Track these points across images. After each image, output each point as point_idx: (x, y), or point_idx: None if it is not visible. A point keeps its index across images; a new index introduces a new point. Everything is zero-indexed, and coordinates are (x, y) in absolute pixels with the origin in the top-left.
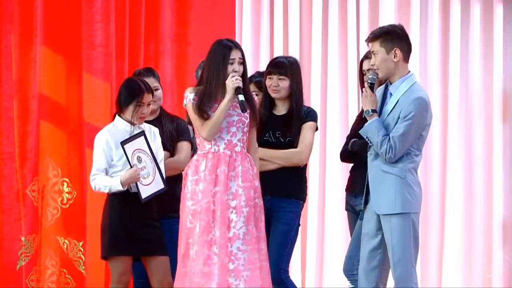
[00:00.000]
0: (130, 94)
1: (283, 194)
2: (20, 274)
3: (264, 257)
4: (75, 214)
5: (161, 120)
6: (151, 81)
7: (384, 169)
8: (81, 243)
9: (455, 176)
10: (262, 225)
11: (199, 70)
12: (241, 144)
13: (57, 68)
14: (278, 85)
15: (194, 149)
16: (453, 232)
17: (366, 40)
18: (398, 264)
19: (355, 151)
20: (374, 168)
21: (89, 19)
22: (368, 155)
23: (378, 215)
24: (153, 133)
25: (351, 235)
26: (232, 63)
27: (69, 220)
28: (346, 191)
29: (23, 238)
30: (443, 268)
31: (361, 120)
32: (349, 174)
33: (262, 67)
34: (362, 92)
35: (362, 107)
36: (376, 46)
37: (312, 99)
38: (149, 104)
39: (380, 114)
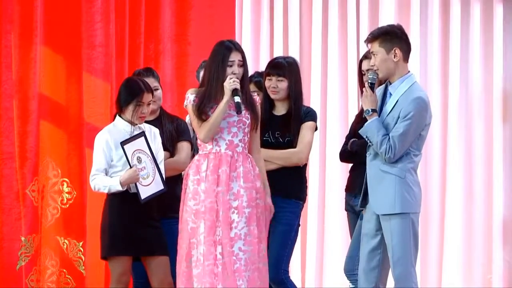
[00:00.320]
0: (130, 93)
1: (283, 194)
2: (20, 274)
3: (263, 259)
4: (75, 214)
5: (161, 120)
6: (151, 81)
7: (383, 169)
8: (81, 243)
9: (455, 176)
10: (263, 225)
11: (200, 70)
12: (243, 145)
13: (57, 68)
14: (276, 86)
15: (194, 150)
16: (453, 232)
17: (365, 41)
18: (397, 264)
19: (354, 151)
20: (373, 168)
21: (89, 19)
22: (367, 155)
23: (378, 215)
24: (153, 133)
25: (350, 235)
26: (231, 65)
27: (69, 220)
28: (345, 191)
29: (23, 238)
30: (443, 268)
31: (360, 119)
32: (348, 174)
33: (262, 67)
34: (362, 92)
35: (361, 107)
36: (376, 47)
37: (312, 99)
38: (149, 104)
39: (379, 114)
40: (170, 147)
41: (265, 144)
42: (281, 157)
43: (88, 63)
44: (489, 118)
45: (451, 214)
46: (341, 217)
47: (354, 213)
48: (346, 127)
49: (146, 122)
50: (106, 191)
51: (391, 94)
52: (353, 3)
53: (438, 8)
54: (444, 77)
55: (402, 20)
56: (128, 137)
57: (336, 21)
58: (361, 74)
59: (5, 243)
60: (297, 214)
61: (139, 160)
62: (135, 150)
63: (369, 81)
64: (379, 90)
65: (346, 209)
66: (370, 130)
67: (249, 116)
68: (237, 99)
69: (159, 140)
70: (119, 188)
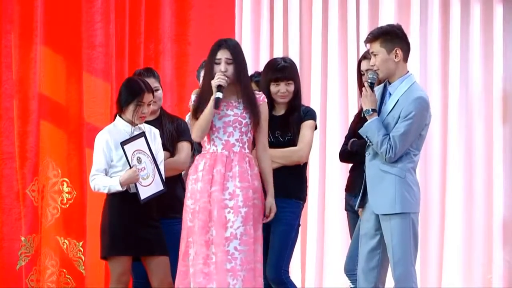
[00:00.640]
0: (131, 93)
1: (283, 194)
2: (20, 274)
3: (259, 259)
4: (75, 214)
5: (161, 120)
6: (151, 82)
7: (383, 168)
8: (81, 243)
9: (455, 176)
10: (259, 226)
11: (200, 70)
12: (240, 144)
13: (57, 68)
14: (286, 91)
15: (194, 150)
16: (453, 232)
17: (365, 41)
18: (398, 264)
19: (354, 151)
20: (373, 167)
21: (89, 19)
22: (366, 155)
23: (377, 215)
24: (154, 134)
25: (350, 235)
26: (218, 63)
27: (69, 220)
28: (345, 191)
29: (23, 238)
30: (443, 268)
31: (359, 119)
32: (348, 174)
33: (262, 67)
34: (361, 92)
35: (360, 107)
36: (376, 47)
37: (312, 99)
38: (149, 104)
39: (378, 113)
40: (170, 147)
41: None
42: (282, 155)
43: (88, 63)
44: (489, 118)
45: (451, 214)
46: (341, 217)
47: (354, 213)
48: (346, 127)
49: (146, 122)
50: (106, 191)
51: (390, 94)
52: (353, 3)
53: (438, 8)
54: (444, 77)
55: (402, 20)
56: (128, 137)
57: (336, 21)
58: (360, 74)
59: (5, 243)
60: (298, 214)
61: (139, 160)
62: (135, 151)
63: (369, 80)
64: (377, 90)
65: (346, 209)
66: (371, 129)
67: (246, 115)
68: (218, 95)
69: (159, 140)
70: (119, 188)
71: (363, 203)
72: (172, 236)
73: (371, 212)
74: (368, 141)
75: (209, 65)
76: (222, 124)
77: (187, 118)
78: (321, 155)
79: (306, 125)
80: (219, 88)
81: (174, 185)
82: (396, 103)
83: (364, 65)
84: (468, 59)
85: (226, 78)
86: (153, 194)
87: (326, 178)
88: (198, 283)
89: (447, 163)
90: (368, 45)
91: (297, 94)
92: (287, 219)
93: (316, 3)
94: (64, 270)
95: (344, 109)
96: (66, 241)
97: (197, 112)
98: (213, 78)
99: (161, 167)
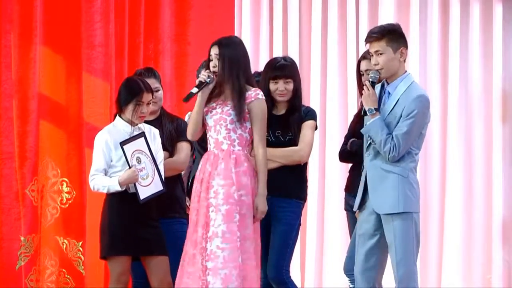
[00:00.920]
0: (130, 93)
1: (283, 194)
2: (19, 274)
3: (249, 256)
4: (74, 214)
5: (161, 120)
6: (152, 82)
7: (386, 168)
8: (80, 243)
9: (454, 176)
10: (249, 222)
11: (200, 70)
12: (228, 142)
13: (57, 68)
14: (284, 89)
15: (194, 150)
16: (453, 232)
17: (369, 40)
18: (400, 264)
19: (354, 151)
20: (374, 167)
21: (88, 19)
22: (365, 155)
23: (377, 215)
24: (153, 134)
25: (350, 235)
26: (211, 60)
27: (68, 220)
28: (345, 191)
29: (22, 238)
30: (443, 268)
31: (359, 119)
32: (348, 174)
33: (262, 67)
34: (361, 92)
35: (360, 106)
36: (382, 46)
37: (311, 99)
38: (148, 104)
39: None
40: (169, 147)
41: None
42: (283, 155)
43: (88, 63)
44: (489, 118)
45: (450, 214)
46: (340, 217)
47: (354, 213)
48: (346, 127)
49: (146, 122)
50: (105, 191)
51: (389, 93)
52: (352, 3)
53: (438, 8)
54: (444, 77)
55: (402, 20)
56: (127, 137)
57: (335, 21)
58: (359, 74)
59: (5, 243)
60: (298, 213)
61: (138, 160)
62: (135, 151)
63: (370, 79)
64: (376, 89)
65: (345, 209)
66: (373, 129)
67: (232, 113)
68: (193, 90)
69: (159, 140)
70: (118, 188)
71: (362, 204)
72: (171, 236)
73: (370, 212)
74: (371, 140)
75: (207, 62)
76: (213, 123)
77: (187, 118)
78: (321, 155)
79: (307, 125)
80: (201, 84)
81: (174, 185)
82: (397, 102)
83: (364, 65)
84: (467, 58)
85: (209, 75)
86: (152, 194)
87: (326, 178)
88: (185, 283)
89: (446, 162)
90: (368, 44)
91: (296, 93)
92: (287, 218)
93: (316, 3)
94: (64, 270)
95: (343, 109)
96: (65, 241)
97: None
98: None
99: (161, 167)
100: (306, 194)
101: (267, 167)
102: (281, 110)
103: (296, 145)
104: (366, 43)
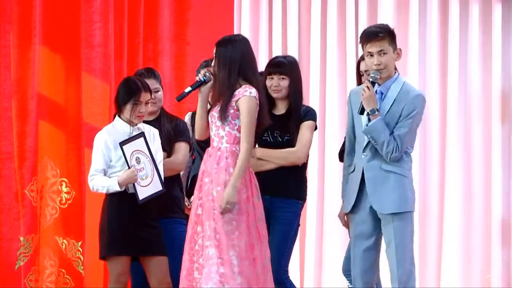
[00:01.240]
0: (128, 92)
1: (282, 194)
2: (18, 274)
3: (233, 254)
4: (73, 214)
5: (160, 120)
6: (152, 83)
7: (386, 168)
8: (79, 243)
9: (454, 176)
10: (231, 217)
11: (200, 70)
12: (217, 139)
13: (56, 68)
14: (278, 85)
15: (194, 150)
16: (452, 232)
17: (375, 39)
18: (400, 263)
19: None
20: (373, 168)
21: (88, 19)
22: (361, 156)
23: (373, 216)
24: (153, 134)
25: (349, 235)
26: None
27: (67, 220)
28: None
29: (21, 238)
30: (442, 268)
31: None
32: None
33: (261, 67)
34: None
35: (360, 107)
36: (385, 45)
37: (311, 99)
38: (147, 103)
39: None
40: (167, 147)
41: (264, 144)
42: (280, 156)
43: (87, 63)
44: (488, 118)
45: (449, 214)
46: None
47: None
48: (345, 127)
49: (145, 122)
50: (104, 191)
51: (382, 93)
52: (351, 3)
53: (437, 9)
54: (443, 77)
55: (401, 20)
56: (127, 137)
57: (335, 21)
58: (359, 74)
59: (4, 243)
60: (297, 213)
61: (137, 160)
62: (134, 151)
63: (371, 79)
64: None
65: None
66: (376, 130)
67: (217, 110)
68: (186, 89)
69: (158, 141)
70: (117, 188)
71: (354, 206)
72: (168, 235)
73: (367, 213)
74: (372, 141)
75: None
76: (209, 122)
77: (187, 118)
78: (320, 155)
79: (306, 125)
80: (195, 83)
81: (171, 185)
82: (394, 101)
83: (364, 66)
84: (466, 59)
85: (205, 73)
86: (151, 195)
87: (325, 178)
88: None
89: (445, 163)
90: (367, 44)
91: (294, 92)
92: (286, 219)
93: (315, 4)
94: (63, 270)
95: (343, 109)
96: (65, 241)
97: None
98: None
99: (160, 167)
100: (306, 194)
101: (247, 162)
102: (281, 110)
103: (294, 146)
104: (367, 42)
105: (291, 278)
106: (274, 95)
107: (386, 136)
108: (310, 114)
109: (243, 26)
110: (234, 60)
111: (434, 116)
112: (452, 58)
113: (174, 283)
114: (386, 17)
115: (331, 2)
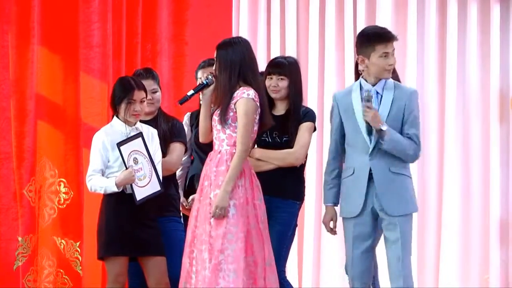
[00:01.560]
0: (121, 91)
1: (280, 194)
2: (17, 274)
3: (226, 258)
4: (72, 215)
5: (157, 120)
6: (149, 83)
7: (394, 170)
8: (78, 243)
9: (452, 176)
10: (227, 220)
11: (198, 70)
12: (218, 142)
13: (54, 68)
14: (277, 85)
15: (192, 150)
16: (450, 232)
17: (394, 39)
18: (403, 262)
19: None
20: (381, 171)
21: (86, 19)
22: (368, 158)
23: (374, 217)
24: (151, 134)
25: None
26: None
27: (66, 221)
28: None
29: (20, 238)
30: (440, 268)
31: None
32: None
33: (260, 68)
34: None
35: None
36: (392, 46)
37: (309, 99)
38: (142, 102)
39: None
40: (163, 147)
41: (262, 144)
42: (278, 157)
43: (85, 63)
44: (486, 118)
45: (448, 214)
46: (338, 217)
47: None
48: None
49: (142, 122)
50: (102, 191)
51: (377, 93)
52: (350, 4)
53: (435, 8)
54: (441, 77)
55: (399, 19)
56: (124, 137)
57: (333, 22)
58: (358, 75)
59: (2, 243)
60: (294, 214)
61: (135, 161)
62: (132, 151)
63: (366, 99)
64: (354, 92)
65: None
66: (397, 142)
67: (216, 113)
68: (189, 92)
69: (157, 141)
70: (115, 189)
71: (363, 208)
72: (165, 234)
73: (368, 215)
74: (394, 151)
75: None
76: (212, 125)
77: (186, 119)
78: (318, 155)
79: (304, 126)
80: (200, 86)
81: (167, 184)
82: (392, 103)
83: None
84: (465, 58)
85: (208, 76)
86: (149, 195)
87: (324, 178)
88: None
89: (444, 162)
90: (389, 43)
91: (294, 92)
92: (283, 219)
93: (313, 4)
94: (61, 271)
95: None
96: (63, 241)
97: None
98: None
99: (159, 168)
100: (304, 195)
101: (240, 166)
102: (280, 110)
103: (292, 147)
104: (386, 42)
105: (289, 278)
106: (272, 95)
107: (405, 142)
108: (309, 116)
109: (241, 26)
110: (235, 63)
111: (432, 115)
112: (451, 58)
113: (172, 282)
114: (384, 17)
115: (329, 3)
